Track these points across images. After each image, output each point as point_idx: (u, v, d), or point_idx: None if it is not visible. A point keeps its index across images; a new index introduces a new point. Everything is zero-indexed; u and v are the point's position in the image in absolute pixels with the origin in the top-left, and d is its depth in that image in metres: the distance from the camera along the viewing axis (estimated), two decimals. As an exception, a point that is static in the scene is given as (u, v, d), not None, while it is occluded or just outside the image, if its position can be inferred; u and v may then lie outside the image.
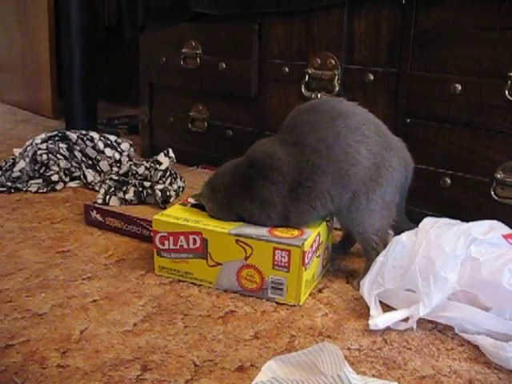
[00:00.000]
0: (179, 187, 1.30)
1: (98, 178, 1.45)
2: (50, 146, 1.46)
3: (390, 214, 0.94)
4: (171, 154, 1.32)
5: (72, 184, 1.47)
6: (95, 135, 1.51)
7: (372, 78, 1.21)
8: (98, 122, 2.04)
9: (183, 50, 1.56)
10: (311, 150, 0.90)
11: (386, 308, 0.87)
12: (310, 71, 1.30)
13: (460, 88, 1.08)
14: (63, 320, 0.84)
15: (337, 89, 1.26)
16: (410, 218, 1.02)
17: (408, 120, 1.17)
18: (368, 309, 0.86)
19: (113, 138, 1.54)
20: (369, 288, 0.87)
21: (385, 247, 0.90)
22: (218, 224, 0.94)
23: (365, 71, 1.22)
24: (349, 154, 0.90)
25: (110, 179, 1.27)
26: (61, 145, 1.47)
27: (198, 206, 1.01)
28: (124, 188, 1.24)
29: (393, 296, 0.87)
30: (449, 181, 1.13)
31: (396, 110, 1.18)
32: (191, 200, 1.04)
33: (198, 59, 1.53)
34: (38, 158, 1.43)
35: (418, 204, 1.16)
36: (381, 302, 0.87)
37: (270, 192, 0.91)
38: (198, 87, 1.56)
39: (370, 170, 0.91)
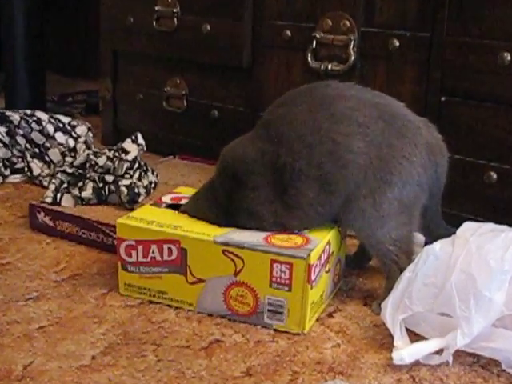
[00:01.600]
0: (150, 183, 1.30)
1: (47, 171, 1.44)
2: (-15, 129, 1.45)
3: (411, 219, 0.94)
4: (140, 140, 1.32)
5: (13, 178, 1.46)
6: (43, 116, 1.50)
7: (397, 44, 1.21)
8: (46, 100, 2.03)
9: (156, 8, 1.55)
10: (288, 151, 0.92)
11: (414, 337, 0.87)
12: (318, 35, 1.30)
13: (509, 58, 1.08)
14: (2, 352, 0.83)
15: (352, 58, 1.26)
16: (447, 223, 1.03)
17: (442, 98, 1.17)
18: (391, 338, 0.85)
19: (66, 119, 1.53)
20: (392, 312, 0.86)
21: (409, 260, 0.90)
22: (201, 230, 0.93)
23: (388, 36, 1.22)
24: (334, 154, 0.90)
25: (63, 172, 1.26)
26: (-1, 128, 1.46)
27: (176, 207, 1.01)
28: (80, 184, 1.24)
29: (423, 322, 0.87)
30: (494, 175, 1.13)
31: (427, 86, 1.19)
32: (166, 199, 1.04)
33: (176, 19, 1.53)
34: (-30, 145, 1.43)
35: (455, 205, 1.16)
36: (407, 330, 0.87)
37: (254, 200, 0.93)
38: (175, 55, 1.56)
39: (371, 166, 0.91)
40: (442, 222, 1.02)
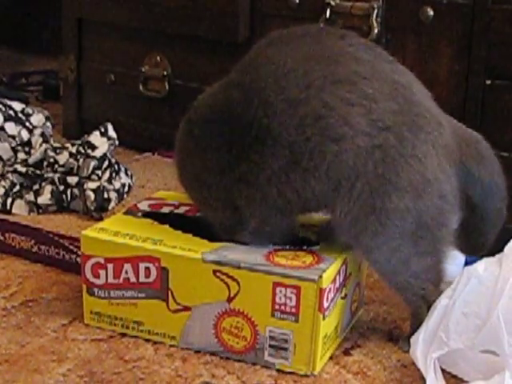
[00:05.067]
0: (123, 185, 1.30)
1: (-6, 171, 1.44)
2: None
3: (436, 245, 0.91)
4: (111, 132, 1.32)
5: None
6: (-11, 102, 1.50)
7: (431, 13, 1.22)
8: (-6, 81, 2.05)
9: (132, -33, 1.57)
10: (261, 102, 0.88)
11: (453, 380, 0.87)
12: (332, 2, 1.31)
13: None
14: None
15: (376, 30, 1.26)
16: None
17: (487, 81, 1.18)
18: (423, 381, 0.85)
19: (18, 106, 1.53)
20: (425, 348, 0.86)
21: (438, 291, 0.90)
22: (186, 245, 0.93)
23: (420, 3, 1.23)
24: (322, 121, 0.86)
25: (14, 172, 1.26)
26: None
27: (155, 216, 1.01)
28: (36, 186, 1.24)
29: (462, 361, 0.87)
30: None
31: (468, 66, 1.19)
32: (144, 206, 1.04)
33: (156, -18, 1.54)
34: None
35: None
36: (443, 371, 0.87)
37: (203, 161, 0.93)
38: (155, 26, 1.56)
39: (372, 156, 0.87)
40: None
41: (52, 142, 1.45)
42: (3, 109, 1.50)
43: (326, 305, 0.89)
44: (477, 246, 0.99)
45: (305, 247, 0.95)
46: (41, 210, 1.22)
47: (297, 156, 0.88)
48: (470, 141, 0.95)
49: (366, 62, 0.89)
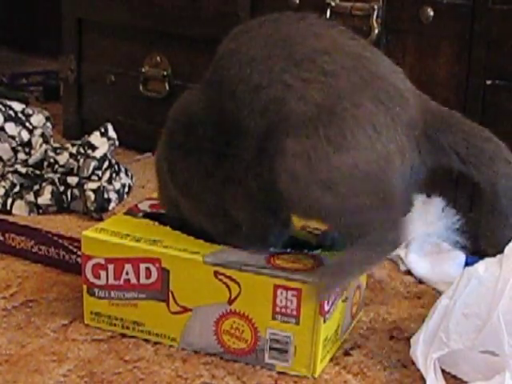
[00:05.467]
0: (124, 186, 1.30)
1: (-6, 171, 1.44)
2: None
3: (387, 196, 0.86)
4: (111, 132, 1.32)
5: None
6: (-11, 102, 1.50)
7: (431, 14, 1.22)
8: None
9: (132, -33, 1.56)
10: (231, 95, 0.88)
11: (453, 380, 0.87)
12: (332, 3, 1.31)
13: None
14: None
15: (376, 31, 1.26)
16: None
17: (487, 81, 1.18)
18: (423, 381, 0.86)
19: (18, 106, 1.53)
20: (425, 349, 0.86)
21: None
22: (187, 246, 0.93)
23: (420, 4, 1.22)
24: (281, 101, 0.85)
25: (14, 173, 1.26)
26: None
27: (156, 217, 1.01)
28: (36, 187, 1.24)
29: (462, 361, 0.87)
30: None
31: (468, 66, 1.19)
32: (144, 207, 1.04)
33: (156, -18, 1.54)
34: None
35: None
36: (443, 371, 0.87)
37: (189, 168, 0.93)
38: (156, 26, 1.56)
39: (317, 119, 0.84)
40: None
41: (52, 142, 1.45)
42: (3, 109, 1.50)
43: (326, 308, 0.89)
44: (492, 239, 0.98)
45: (305, 251, 0.95)
46: (41, 211, 1.22)
47: (263, 143, 0.87)
48: (439, 114, 0.92)
49: (327, 37, 0.88)
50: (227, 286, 0.90)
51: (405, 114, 0.87)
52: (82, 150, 1.28)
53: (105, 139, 1.30)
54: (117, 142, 1.32)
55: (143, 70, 1.60)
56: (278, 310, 0.89)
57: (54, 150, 1.29)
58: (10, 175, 1.26)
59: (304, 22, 0.90)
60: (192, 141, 0.92)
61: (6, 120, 1.49)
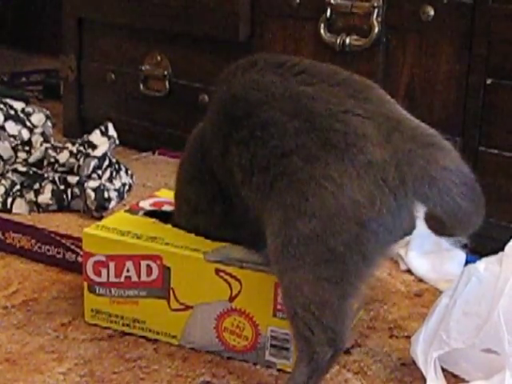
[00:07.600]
0: (124, 185, 1.29)
1: (-5, 170, 1.44)
2: None
3: (343, 275, 0.78)
4: (112, 131, 1.31)
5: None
6: (-11, 101, 1.50)
7: (432, 13, 1.21)
8: (-5, 80, 2.04)
9: (132, -33, 1.56)
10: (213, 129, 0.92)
11: (453, 379, 0.87)
12: (333, 2, 1.30)
13: None
14: None
15: (376, 30, 1.26)
16: (489, 237, 1.02)
17: (488, 81, 1.18)
18: (423, 380, 0.85)
19: (19, 105, 1.53)
20: (425, 348, 0.86)
21: (328, 342, 0.78)
22: (189, 243, 0.93)
23: (420, 2, 1.22)
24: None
25: (14, 171, 1.26)
26: None
27: (156, 215, 1.01)
28: (36, 185, 1.23)
29: (463, 360, 0.87)
30: (551, 178, 1.14)
31: (469, 65, 1.19)
32: (145, 205, 1.04)
33: (156, -19, 1.54)
34: None
35: (502, 214, 1.16)
36: (444, 370, 0.87)
37: (195, 192, 0.97)
38: (156, 26, 1.56)
39: (276, 186, 0.81)
40: None
41: (52, 141, 1.45)
42: (4, 108, 1.50)
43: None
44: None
45: None
46: (41, 209, 1.22)
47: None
48: (416, 157, 0.77)
49: (269, 84, 0.84)
50: (228, 284, 0.90)
51: (365, 155, 0.77)
52: (82, 149, 1.28)
53: (105, 138, 1.30)
54: (117, 141, 1.32)
55: (143, 68, 1.60)
56: (279, 307, 0.88)
57: (55, 148, 1.29)
58: (10, 174, 1.26)
59: (253, 70, 0.88)
60: (194, 167, 0.97)
61: (6, 119, 1.48)
